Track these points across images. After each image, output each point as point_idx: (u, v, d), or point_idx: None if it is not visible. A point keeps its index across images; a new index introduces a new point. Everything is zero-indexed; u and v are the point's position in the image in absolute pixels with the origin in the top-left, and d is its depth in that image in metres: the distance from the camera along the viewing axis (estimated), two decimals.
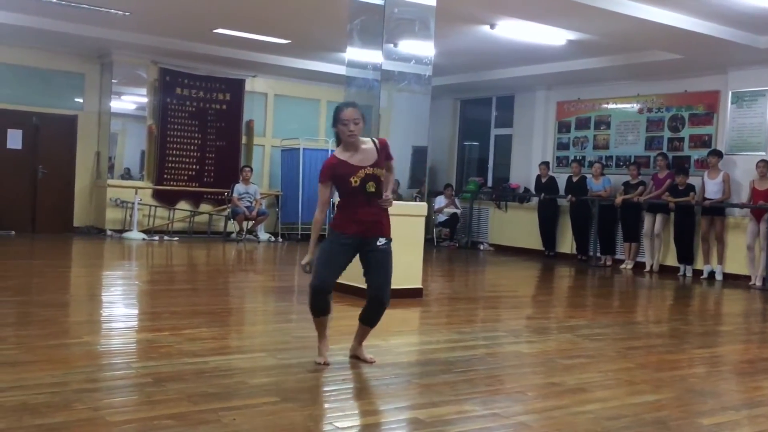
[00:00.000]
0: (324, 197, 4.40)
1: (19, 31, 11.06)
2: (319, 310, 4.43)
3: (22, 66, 12.25)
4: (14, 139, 12.41)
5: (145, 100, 13.18)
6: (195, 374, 4.06)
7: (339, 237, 4.40)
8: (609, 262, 12.06)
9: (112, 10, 10.06)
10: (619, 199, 11.66)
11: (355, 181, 4.30)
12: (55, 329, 5.17)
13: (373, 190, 4.34)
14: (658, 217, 11.22)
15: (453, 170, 15.51)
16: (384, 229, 4.41)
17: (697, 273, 10.86)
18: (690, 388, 4.45)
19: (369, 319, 4.54)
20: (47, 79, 12.53)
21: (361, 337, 4.62)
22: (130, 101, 13.30)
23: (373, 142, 4.45)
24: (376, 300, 4.44)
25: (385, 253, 4.40)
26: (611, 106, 12.65)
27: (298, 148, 13.60)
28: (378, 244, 4.37)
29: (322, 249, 4.39)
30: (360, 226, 4.36)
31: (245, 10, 9.77)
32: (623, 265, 11.73)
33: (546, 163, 13.13)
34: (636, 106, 12.28)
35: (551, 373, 4.60)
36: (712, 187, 10.63)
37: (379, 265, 4.38)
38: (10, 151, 12.35)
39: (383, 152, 4.41)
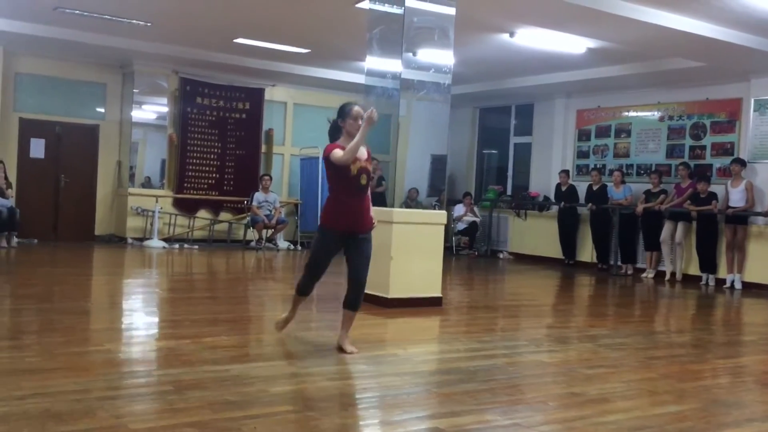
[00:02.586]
0: (342, 151, 4.80)
1: (42, 41, 11.21)
2: (306, 292, 5.22)
3: (45, 76, 12.40)
4: (37, 148, 12.55)
5: (165, 109, 13.29)
6: (216, 382, 4.07)
7: (331, 233, 4.96)
8: (630, 271, 11.97)
9: (134, 21, 10.17)
10: (640, 208, 11.58)
11: (354, 171, 4.83)
12: (77, 337, 5.21)
13: (364, 182, 4.90)
14: (680, 225, 11.13)
15: (472, 178, 15.49)
16: (367, 225, 4.98)
17: (720, 282, 10.74)
18: (714, 398, 4.39)
19: (352, 303, 5.04)
20: (70, 89, 12.67)
21: (347, 324, 5.08)
22: (151, 110, 13.41)
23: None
24: (356, 281, 4.99)
25: (366, 241, 5.01)
26: (632, 114, 12.58)
27: (317, 157, 13.62)
28: (361, 236, 4.96)
29: (318, 244, 5.05)
30: (348, 219, 4.92)
31: (265, 20, 9.84)
32: (644, 274, 11.63)
33: (566, 171, 13.07)
34: (657, 114, 12.20)
35: (573, 383, 4.56)
36: (735, 196, 10.53)
37: (360, 252, 4.98)
38: (33, 160, 12.49)
39: (370, 155, 5.03)
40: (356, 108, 4.94)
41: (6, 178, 11.40)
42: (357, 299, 5.04)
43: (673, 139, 11.96)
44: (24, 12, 10.09)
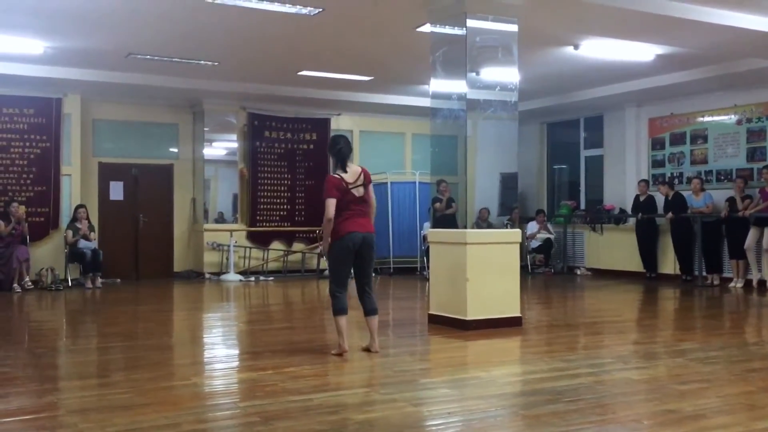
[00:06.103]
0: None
1: (116, 87, 11.65)
2: None
3: (120, 121, 12.86)
4: (116, 191, 12.99)
5: (235, 145, 13.59)
6: (301, 412, 4.07)
7: None
8: (716, 282, 11.51)
9: (202, 62, 10.46)
10: (726, 211, 11.12)
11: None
12: (164, 372, 5.31)
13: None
14: (767, 231, 10.64)
15: (543, 195, 15.25)
16: None
17: None
18: None
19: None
20: (144, 132, 13.10)
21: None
22: (222, 147, 13.74)
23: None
24: None
25: None
26: (707, 118, 12.19)
27: (386, 183, 13.68)
28: None
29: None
30: None
31: (327, 51, 9.98)
32: (732, 284, 11.17)
33: (645, 181, 12.71)
34: (734, 117, 11.78)
35: (666, 400, 4.38)
36: None
37: None
38: (113, 203, 12.92)
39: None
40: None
41: (89, 221, 11.82)
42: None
43: (754, 142, 11.51)
44: (99, 61, 10.50)
